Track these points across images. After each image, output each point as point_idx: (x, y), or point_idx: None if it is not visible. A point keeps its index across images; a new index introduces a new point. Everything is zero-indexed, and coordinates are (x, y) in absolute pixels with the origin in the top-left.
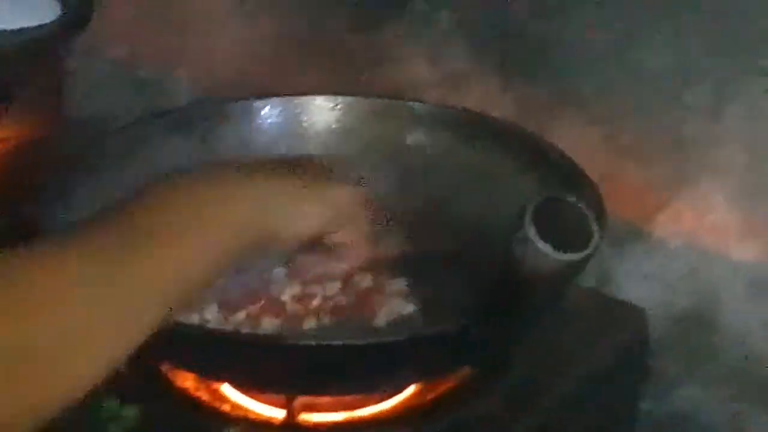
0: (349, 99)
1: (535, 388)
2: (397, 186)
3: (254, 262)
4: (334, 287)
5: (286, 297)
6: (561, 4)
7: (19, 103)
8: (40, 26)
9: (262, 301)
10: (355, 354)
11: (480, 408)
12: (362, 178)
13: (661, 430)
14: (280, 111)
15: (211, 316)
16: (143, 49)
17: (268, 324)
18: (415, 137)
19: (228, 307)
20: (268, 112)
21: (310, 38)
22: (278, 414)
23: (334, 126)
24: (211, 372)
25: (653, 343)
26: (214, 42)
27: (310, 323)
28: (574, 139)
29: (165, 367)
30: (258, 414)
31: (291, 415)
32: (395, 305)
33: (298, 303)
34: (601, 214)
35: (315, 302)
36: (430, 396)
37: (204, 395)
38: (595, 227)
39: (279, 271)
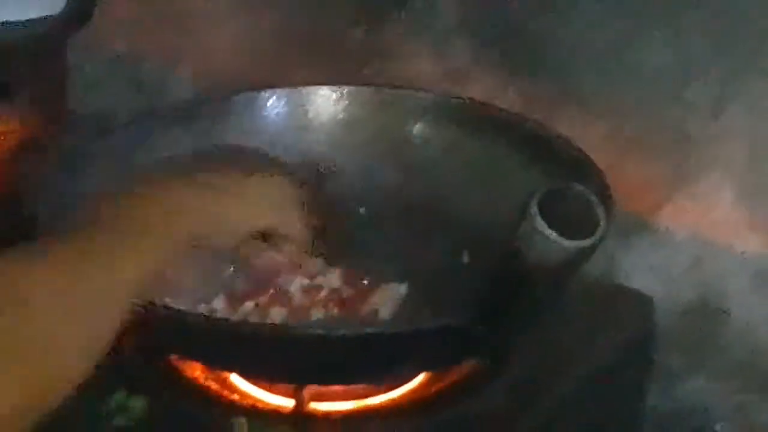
0: (353, 89)
1: (541, 379)
2: (402, 176)
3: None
4: (336, 279)
5: (293, 288)
6: (563, 0)
7: (20, 98)
8: (42, 21)
9: (271, 291)
10: (362, 344)
11: (487, 398)
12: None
13: (666, 422)
14: (285, 102)
15: (218, 306)
16: (145, 44)
17: (276, 314)
18: (420, 127)
19: (236, 297)
20: (274, 103)
21: (312, 34)
22: (287, 403)
23: (339, 116)
24: (220, 362)
25: (658, 336)
26: (215, 38)
27: (317, 314)
28: (577, 135)
29: (173, 358)
30: (267, 403)
31: (300, 404)
32: (401, 297)
33: (305, 294)
34: (607, 201)
35: (322, 294)
36: (438, 386)
37: (212, 385)
38: (601, 213)
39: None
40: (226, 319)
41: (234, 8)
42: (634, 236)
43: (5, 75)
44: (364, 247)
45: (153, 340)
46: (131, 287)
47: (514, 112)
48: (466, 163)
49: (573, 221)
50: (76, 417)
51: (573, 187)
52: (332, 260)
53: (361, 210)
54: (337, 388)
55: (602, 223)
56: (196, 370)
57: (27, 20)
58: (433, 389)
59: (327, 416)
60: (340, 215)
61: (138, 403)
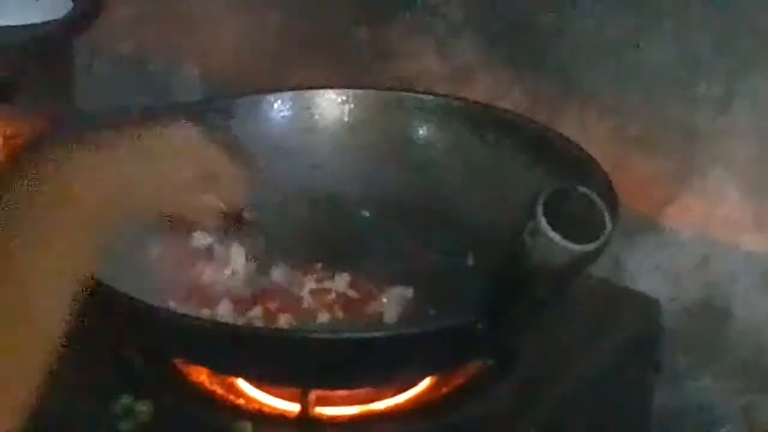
0: (359, 92)
1: (546, 381)
2: (406, 178)
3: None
4: (341, 282)
5: (302, 292)
6: None
7: (27, 100)
8: (50, 22)
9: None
10: (368, 348)
11: (492, 400)
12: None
13: (673, 422)
14: (291, 105)
15: (224, 311)
16: (150, 45)
17: (282, 318)
18: (424, 129)
19: (242, 302)
20: (279, 106)
21: (317, 34)
22: (293, 408)
23: (344, 119)
24: (225, 366)
25: (664, 336)
26: (220, 38)
27: (323, 317)
28: (583, 131)
29: (178, 362)
30: (272, 408)
31: (305, 408)
32: (406, 300)
33: (312, 297)
34: (613, 204)
35: (328, 297)
36: (444, 390)
37: (218, 389)
38: (607, 217)
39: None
40: (231, 324)
41: (239, 9)
42: (639, 236)
43: (12, 77)
44: (368, 250)
45: (158, 345)
46: (71, 261)
47: (518, 113)
48: (470, 164)
49: (577, 223)
50: (82, 421)
51: (578, 188)
52: (337, 263)
53: (366, 213)
54: (342, 392)
55: (608, 226)
56: (201, 375)
57: (33, 23)
58: (438, 392)
59: (332, 420)
60: (344, 218)
61: (143, 408)
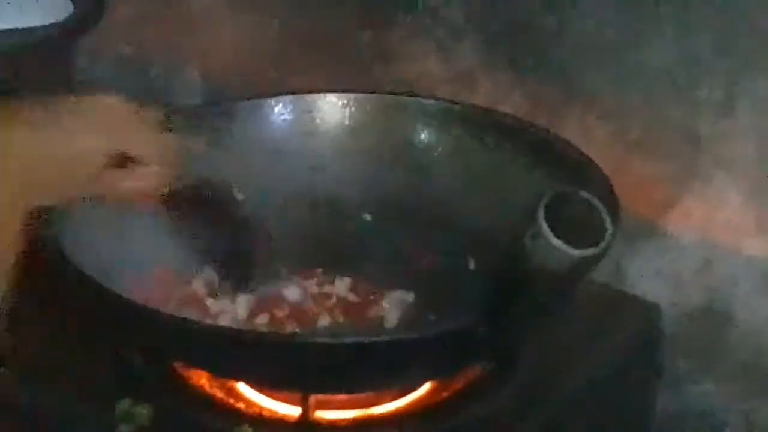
0: (360, 96)
1: (547, 385)
2: (407, 182)
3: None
4: (342, 286)
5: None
6: (568, 0)
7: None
8: (51, 25)
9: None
10: (368, 352)
11: (493, 404)
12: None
13: (674, 425)
14: (292, 109)
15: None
16: (152, 48)
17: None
18: (425, 133)
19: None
20: (280, 109)
21: (318, 35)
22: (293, 411)
23: (345, 123)
24: (226, 370)
25: (665, 340)
26: (222, 41)
27: (323, 321)
28: (584, 135)
29: (178, 365)
30: (273, 411)
31: (306, 412)
32: (407, 304)
33: (313, 301)
34: (614, 208)
35: (330, 301)
36: (445, 394)
37: (218, 393)
38: (608, 222)
39: None
40: (232, 328)
41: (241, 11)
42: (640, 240)
43: (12, 80)
44: (369, 253)
45: (158, 347)
46: None
47: (519, 117)
48: (470, 168)
49: (578, 227)
50: (82, 424)
51: (579, 193)
52: (338, 267)
53: (366, 216)
54: (343, 396)
55: (609, 230)
56: (201, 378)
57: (33, 26)
58: (439, 396)
59: (333, 424)
60: (345, 222)
61: (143, 411)
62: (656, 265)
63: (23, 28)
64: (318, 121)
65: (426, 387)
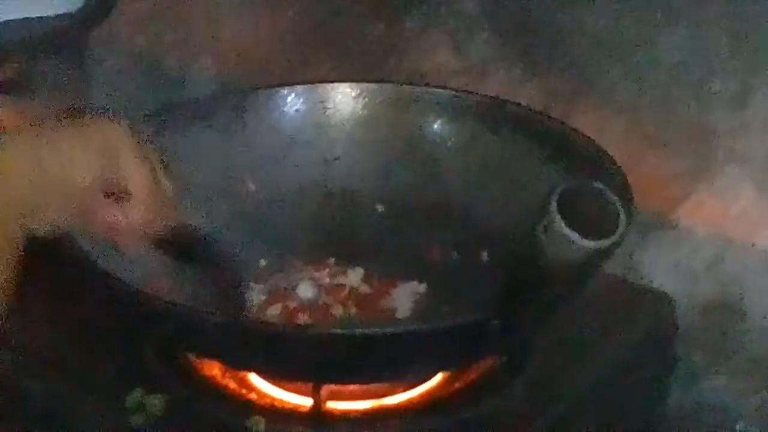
0: (373, 86)
1: (560, 378)
2: (420, 173)
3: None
4: (355, 277)
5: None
6: None
7: (41, 93)
8: (63, 15)
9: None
10: (380, 343)
11: (505, 397)
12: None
13: (688, 420)
14: (305, 99)
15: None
16: (164, 38)
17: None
18: (438, 124)
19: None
20: (293, 99)
21: (332, 27)
22: (305, 402)
23: (358, 113)
24: (238, 361)
25: (679, 333)
26: (235, 33)
27: (336, 312)
28: (598, 128)
29: (191, 357)
30: (285, 402)
31: (318, 403)
32: (419, 295)
33: (325, 293)
34: (627, 200)
35: (342, 293)
36: (456, 385)
37: (230, 384)
38: (622, 213)
39: None
40: (244, 318)
41: (254, 3)
42: (654, 233)
43: (26, 70)
44: (382, 244)
45: (171, 339)
46: None
47: (533, 108)
48: (484, 160)
49: (592, 219)
50: (94, 415)
51: (593, 184)
52: (351, 258)
53: (380, 208)
54: (355, 387)
55: (622, 223)
56: (213, 369)
57: (46, 16)
58: (451, 388)
59: (345, 415)
60: (358, 213)
61: (155, 402)
62: (669, 258)
63: (35, 18)
64: (331, 111)
65: (438, 379)
